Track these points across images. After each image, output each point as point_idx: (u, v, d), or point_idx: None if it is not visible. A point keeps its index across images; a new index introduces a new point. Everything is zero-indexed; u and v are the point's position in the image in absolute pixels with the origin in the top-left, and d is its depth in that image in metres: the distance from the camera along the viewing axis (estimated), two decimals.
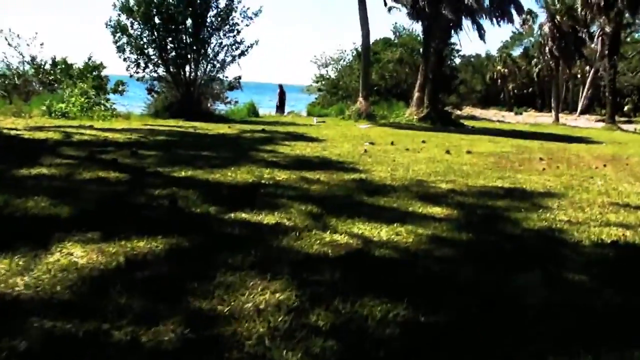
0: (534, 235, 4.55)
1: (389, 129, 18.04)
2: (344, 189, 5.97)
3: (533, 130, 24.41)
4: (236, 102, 23.21)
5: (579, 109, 48.52)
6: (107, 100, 17.44)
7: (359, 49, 28.26)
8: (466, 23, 22.12)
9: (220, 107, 22.72)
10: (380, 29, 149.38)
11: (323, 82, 35.21)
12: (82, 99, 15.28)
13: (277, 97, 28.36)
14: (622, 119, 41.15)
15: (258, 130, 14.05)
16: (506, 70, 64.14)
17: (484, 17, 21.42)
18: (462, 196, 6.09)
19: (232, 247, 3.56)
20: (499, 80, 64.91)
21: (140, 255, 3.34)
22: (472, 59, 66.98)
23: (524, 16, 28.02)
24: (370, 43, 27.03)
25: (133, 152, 7.61)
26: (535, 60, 61.58)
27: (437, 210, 5.19)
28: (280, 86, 28.65)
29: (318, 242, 3.84)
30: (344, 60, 35.42)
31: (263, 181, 6.14)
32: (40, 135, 9.61)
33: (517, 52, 68.86)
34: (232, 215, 4.46)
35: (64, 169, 6.12)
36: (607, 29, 37.05)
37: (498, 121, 34.56)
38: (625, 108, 50.10)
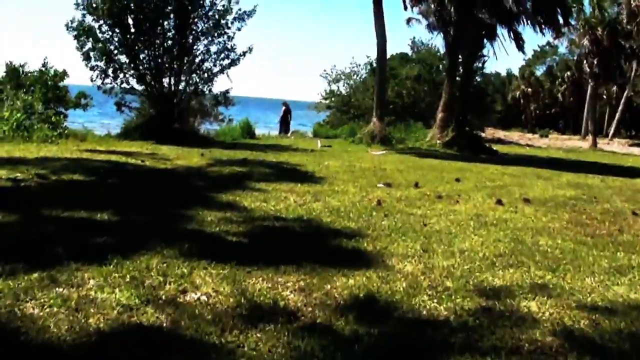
0: None
1: (409, 156, 14.66)
2: (331, 355, 2.50)
3: (574, 158, 20.79)
4: (230, 119, 19.93)
5: (611, 132, 44.56)
6: (62, 116, 14.04)
7: (374, 63, 24.82)
8: (501, 32, 18.56)
9: (213, 126, 19.56)
10: (395, 44, 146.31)
11: (333, 99, 31.66)
12: (20, 115, 11.95)
13: (280, 116, 25.03)
14: None
15: (238, 160, 10.62)
16: (530, 89, 60.25)
17: (524, 23, 17.82)
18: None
19: None
20: (522, 100, 60.93)
21: None
22: (492, 78, 63.25)
23: (564, 29, 24.26)
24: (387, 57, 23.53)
25: None
26: (559, 80, 57.81)
27: None
28: (285, 104, 25.30)
29: None
30: (357, 75, 31.97)
31: (145, 320, 2.69)
32: None
33: (539, 71, 64.97)
34: None
35: None
36: None
37: (527, 145, 30.95)
38: None
